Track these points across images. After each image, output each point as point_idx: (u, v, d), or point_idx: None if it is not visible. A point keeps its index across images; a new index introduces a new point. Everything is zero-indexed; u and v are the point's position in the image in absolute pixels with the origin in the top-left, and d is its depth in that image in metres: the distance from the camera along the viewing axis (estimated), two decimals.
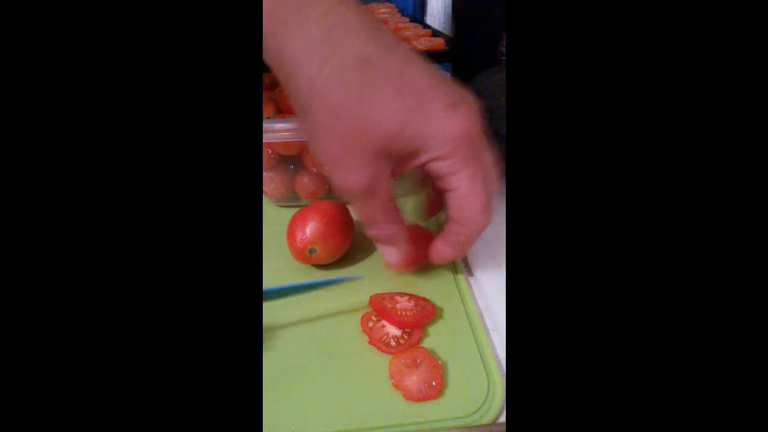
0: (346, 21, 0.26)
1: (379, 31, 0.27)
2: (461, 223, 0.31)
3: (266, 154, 0.44)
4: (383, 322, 0.34)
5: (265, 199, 0.48)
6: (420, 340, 0.34)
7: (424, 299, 0.36)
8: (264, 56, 0.28)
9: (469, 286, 0.39)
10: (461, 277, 0.39)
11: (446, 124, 0.28)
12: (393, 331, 0.34)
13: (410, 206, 0.41)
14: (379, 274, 0.40)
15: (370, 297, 0.36)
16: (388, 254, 0.35)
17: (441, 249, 0.34)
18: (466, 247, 0.34)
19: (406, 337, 0.33)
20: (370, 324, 0.34)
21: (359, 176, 0.29)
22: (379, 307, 0.35)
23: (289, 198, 0.48)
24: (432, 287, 0.39)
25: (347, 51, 0.26)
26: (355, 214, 0.42)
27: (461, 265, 0.41)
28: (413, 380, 0.30)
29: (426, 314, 0.34)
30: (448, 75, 0.32)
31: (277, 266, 0.41)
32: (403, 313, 0.34)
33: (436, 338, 0.34)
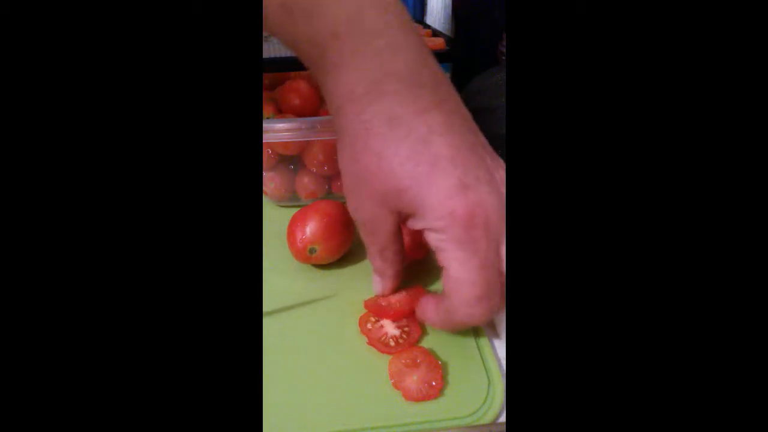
0: (396, 74, 0.28)
1: (423, 90, 0.28)
2: (452, 304, 0.30)
3: (266, 154, 0.44)
4: (381, 322, 0.34)
5: (265, 199, 0.48)
6: (419, 339, 0.34)
7: (417, 287, 0.36)
8: (301, 47, 0.30)
9: None
10: None
11: (447, 202, 0.27)
12: (392, 330, 0.34)
13: None
14: None
15: (365, 302, 0.36)
16: (374, 281, 0.36)
17: (426, 309, 0.33)
18: (448, 326, 0.32)
19: (404, 336, 0.33)
20: (369, 325, 0.34)
21: (362, 213, 0.31)
22: (375, 308, 0.35)
23: (289, 198, 0.48)
24: (432, 288, 0.39)
25: (384, 105, 0.28)
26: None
27: None
28: (413, 380, 0.30)
29: (418, 296, 0.34)
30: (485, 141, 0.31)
31: (277, 266, 0.41)
32: (398, 305, 0.34)
33: (436, 338, 0.34)
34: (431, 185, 0.28)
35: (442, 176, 0.28)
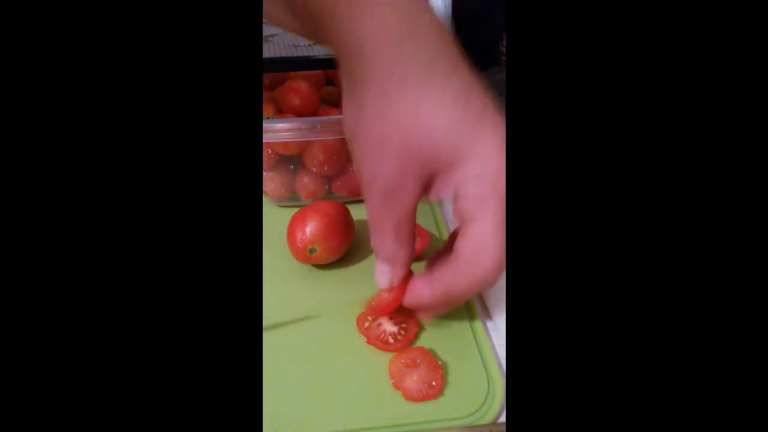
0: (427, 26, 0.25)
1: (451, 45, 0.26)
2: (467, 265, 0.28)
3: (266, 154, 0.44)
4: (379, 320, 0.34)
5: (265, 199, 0.48)
6: (417, 335, 0.34)
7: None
8: (304, 14, 0.26)
9: None
10: None
11: (497, 156, 0.26)
12: (389, 328, 0.34)
13: None
14: None
15: (357, 316, 0.35)
16: (379, 272, 0.32)
17: (418, 289, 0.31)
18: (446, 299, 0.30)
19: (402, 332, 0.33)
20: (366, 324, 0.34)
21: (384, 179, 0.27)
22: (370, 309, 0.34)
23: (289, 198, 0.48)
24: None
25: (422, 48, 0.25)
26: (355, 215, 0.42)
27: None
28: (413, 380, 0.30)
29: (407, 281, 0.32)
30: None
31: (277, 266, 0.41)
32: (391, 295, 0.33)
33: (436, 338, 0.34)
34: (478, 138, 0.26)
35: (490, 130, 0.26)
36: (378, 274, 0.32)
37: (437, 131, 0.25)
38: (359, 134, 0.27)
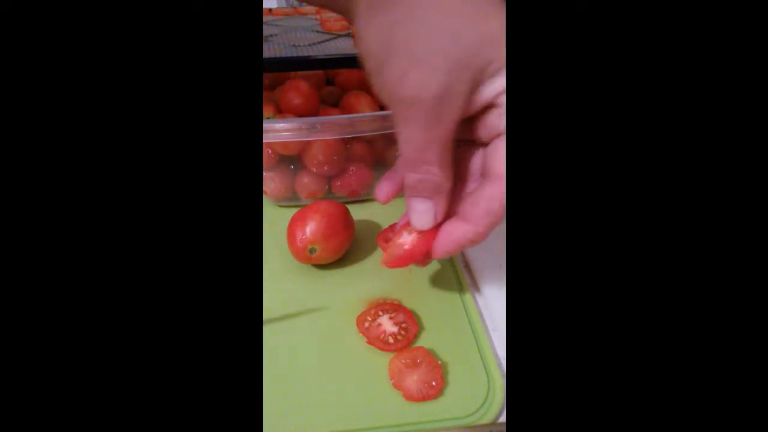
0: None
1: None
2: (502, 179, 0.26)
3: (266, 154, 0.44)
4: (379, 320, 0.34)
5: (265, 199, 0.48)
6: (417, 335, 0.34)
7: (427, 231, 0.31)
8: None
9: (469, 286, 0.39)
10: (461, 277, 0.40)
11: None
12: (390, 328, 0.34)
13: None
14: (378, 275, 0.40)
15: (357, 316, 0.35)
16: (420, 211, 0.29)
17: (459, 228, 0.29)
18: (498, 219, 0.28)
19: (402, 332, 0.33)
20: (366, 324, 0.34)
21: (436, 80, 0.24)
22: (391, 258, 0.32)
23: (289, 198, 0.48)
24: (432, 287, 0.39)
25: None
26: (355, 215, 0.42)
27: (461, 265, 0.41)
28: (413, 380, 0.30)
29: (432, 234, 0.30)
30: None
31: (277, 266, 0.41)
32: (414, 243, 0.31)
33: (436, 338, 0.34)
34: None
35: None
36: (418, 214, 0.29)
37: (490, 32, 0.24)
38: (396, 44, 0.25)
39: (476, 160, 0.31)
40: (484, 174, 0.28)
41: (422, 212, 0.29)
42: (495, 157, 0.27)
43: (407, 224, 0.32)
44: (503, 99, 0.26)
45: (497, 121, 0.27)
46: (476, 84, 0.25)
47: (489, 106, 0.27)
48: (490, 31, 0.24)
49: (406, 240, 0.31)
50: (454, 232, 0.29)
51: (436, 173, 0.27)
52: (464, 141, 0.30)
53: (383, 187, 0.32)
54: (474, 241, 0.29)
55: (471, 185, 0.31)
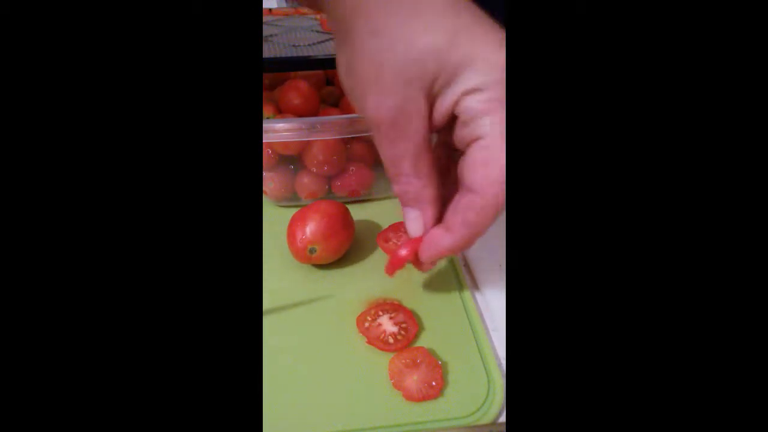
0: None
1: None
2: (478, 190, 0.27)
3: (266, 154, 0.44)
4: (379, 320, 0.34)
5: (265, 199, 0.48)
6: (417, 336, 0.34)
7: (413, 240, 0.32)
8: None
9: (469, 286, 0.39)
10: (461, 277, 0.39)
11: (497, 53, 0.25)
12: (390, 328, 0.34)
13: None
14: (378, 275, 0.40)
15: (357, 316, 0.35)
16: (410, 219, 0.30)
17: (441, 238, 0.29)
18: (476, 229, 0.28)
19: (402, 332, 0.33)
20: (366, 324, 0.34)
21: (388, 102, 0.26)
22: (392, 260, 0.33)
23: (289, 198, 0.48)
24: (432, 287, 0.39)
25: None
26: (355, 215, 0.42)
27: (461, 265, 0.41)
28: (413, 380, 0.30)
29: (417, 241, 0.31)
30: None
31: (277, 266, 0.41)
32: (407, 247, 0.32)
33: (436, 338, 0.34)
34: (477, 36, 0.25)
35: (488, 28, 0.25)
36: (408, 222, 0.30)
37: (431, 45, 0.25)
38: (355, 73, 0.26)
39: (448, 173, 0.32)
40: (463, 184, 0.29)
41: (412, 219, 0.30)
42: (466, 168, 0.28)
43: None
44: (462, 108, 0.26)
45: (463, 130, 0.27)
46: (432, 97, 0.27)
47: (453, 117, 0.27)
48: (429, 44, 0.25)
49: (404, 246, 0.33)
50: (435, 240, 0.30)
51: (414, 183, 0.28)
52: (455, 149, 0.30)
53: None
54: (452, 250, 0.30)
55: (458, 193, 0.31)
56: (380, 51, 0.25)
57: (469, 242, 0.29)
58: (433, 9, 0.25)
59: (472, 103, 0.26)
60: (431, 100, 0.27)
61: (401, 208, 0.31)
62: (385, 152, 0.28)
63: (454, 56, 0.25)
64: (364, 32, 0.25)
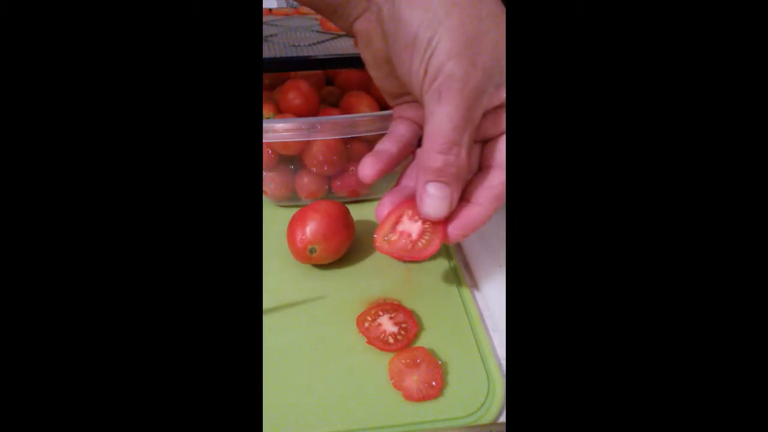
0: None
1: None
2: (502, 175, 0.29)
3: (266, 154, 0.44)
4: (379, 320, 0.34)
5: (265, 199, 0.48)
6: (417, 335, 0.34)
7: (437, 224, 0.31)
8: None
9: (469, 286, 0.39)
10: (461, 277, 0.39)
11: None
12: (390, 328, 0.34)
13: None
14: (378, 275, 0.40)
15: (357, 316, 0.35)
16: (437, 198, 0.29)
17: (475, 212, 0.30)
18: (501, 202, 0.30)
19: (402, 332, 0.33)
20: (366, 324, 0.34)
21: (485, 65, 0.27)
22: (408, 253, 0.32)
23: (289, 198, 0.48)
24: (432, 287, 0.39)
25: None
26: (355, 215, 0.42)
27: (461, 265, 0.41)
28: (413, 380, 0.30)
29: (442, 224, 0.31)
30: None
31: (277, 266, 0.41)
32: (426, 237, 0.31)
33: (436, 338, 0.34)
34: None
35: None
36: (434, 200, 0.29)
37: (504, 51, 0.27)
38: (450, 27, 0.26)
39: (473, 155, 0.32)
40: (492, 164, 0.30)
41: (439, 198, 0.29)
42: (498, 152, 0.30)
43: (403, 207, 0.32)
44: None
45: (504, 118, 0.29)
46: (500, 85, 0.28)
47: (501, 106, 0.29)
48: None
49: (411, 229, 0.32)
50: (471, 216, 0.30)
51: (463, 158, 0.28)
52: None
53: (370, 165, 0.32)
54: (483, 223, 0.30)
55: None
56: (484, 18, 0.26)
57: (492, 215, 0.31)
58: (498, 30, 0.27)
59: None
60: (500, 87, 0.28)
61: (420, 186, 0.29)
62: (457, 114, 0.27)
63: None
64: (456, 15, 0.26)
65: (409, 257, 0.31)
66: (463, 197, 0.31)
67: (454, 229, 0.30)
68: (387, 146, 0.33)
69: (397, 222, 0.32)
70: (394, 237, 0.32)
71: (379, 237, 0.32)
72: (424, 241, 0.31)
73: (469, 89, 0.26)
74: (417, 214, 0.31)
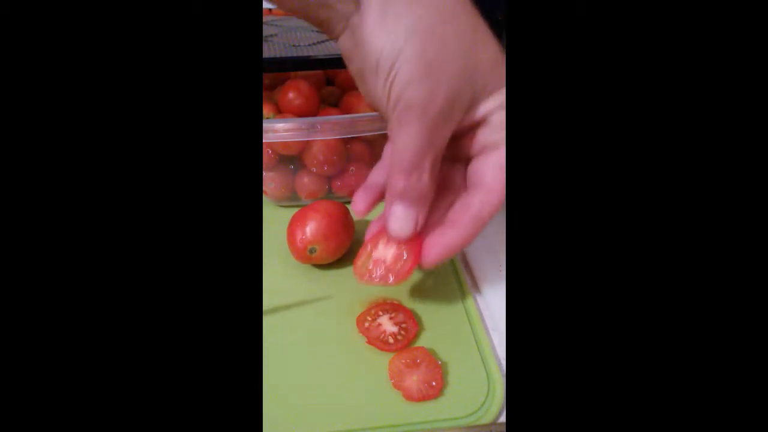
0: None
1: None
2: (490, 195, 0.29)
3: (266, 154, 0.44)
4: (379, 320, 0.34)
5: (265, 199, 0.48)
6: (417, 336, 0.34)
7: (413, 240, 0.31)
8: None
9: (470, 286, 0.39)
10: (461, 277, 0.39)
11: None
12: (390, 328, 0.34)
13: None
14: None
15: (357, 316, 0.35)
16: (403, 218, 0.29)
17: (447, 234, 0.30)
18: (483, 222, 0.30)
19: (402, 332, 0.33)
20: (366, 324, 0.34)
21: (446, 90, 0.26)
22: (374, 274, 0.32)
23: (289, 198, 0.48)
24: (432, 287, 0.39)
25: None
26: (355, 214, 0.42)
27: (461, 266, 0.41)
28: (413, 380, 0.30)
29: (418, 242, 0.31)
30: None
31: (277, 266, 0.41)
32: (401, 259, 0.31)
33: (436, 338, 0.34)
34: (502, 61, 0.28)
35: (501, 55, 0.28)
36: (399, 221, 0.29)
37: (485, 61, 0.27)
38: (411, 54, 0.26)
39: (456, 175, 0.32)
40: (472, 184, 0.31)
41: (404, 219, 0.29)
42: (484, 168, 0.30)
43: (379, 235, 0.32)
44: (494, 117, 0.29)
45: (487, 135, 0.29)
46: (474, 102, 0.28)
47: (480, 123, 0.29)
48: (489, 58, 0.27)
49: (386, 255, 0.32)
50: (444, 238, 0.30)
51: (425, 181, 0.28)
52: (445, 158, 0.31)
53: (361, 199, 0.33)
54: (461, 245, 0.30)
55: (448, 199, 0.32)
56: (449, 42, 0.26)
57: (473, 237, 0.30)
58: (484, 26, 0.28)
59: (498, 119, 0.28)
60: (473, 104, 0.28)
61: (386, 206, 0.30)
62: (417, 139, 0.27)
63: (498, 76, 0.28)
64: (432, 17, 0.26)
65: (385, 284, 0.32)
66: (442, 220, 0.31)
67: (427, 254, 0.31)
68: (377, 178, 0.34)
69: (373, 249, 0.33)
70: (370, 265, 0.32)
71: (357, 266, 0.33)
72: (398, 266, 0.31)
73: (430, 116, 0.27)
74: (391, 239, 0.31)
